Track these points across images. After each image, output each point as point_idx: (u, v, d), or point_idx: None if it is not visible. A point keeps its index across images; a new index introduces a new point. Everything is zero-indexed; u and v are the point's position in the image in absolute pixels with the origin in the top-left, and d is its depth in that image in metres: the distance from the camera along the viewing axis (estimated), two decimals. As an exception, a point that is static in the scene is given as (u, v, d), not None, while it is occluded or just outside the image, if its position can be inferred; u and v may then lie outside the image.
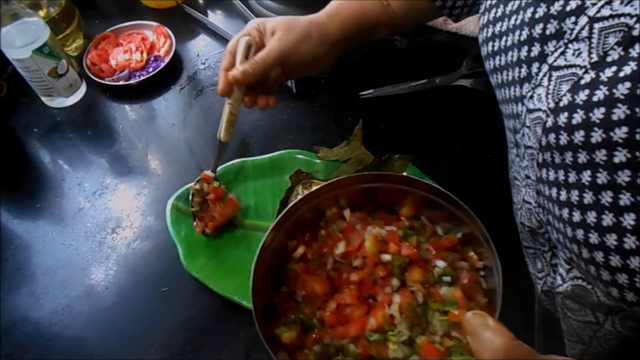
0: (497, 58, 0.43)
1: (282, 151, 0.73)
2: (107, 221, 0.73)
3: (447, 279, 0.46)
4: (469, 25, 0.87)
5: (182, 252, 0.65)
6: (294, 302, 0.48)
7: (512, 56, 0.40)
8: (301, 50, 0.62)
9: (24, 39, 0.76)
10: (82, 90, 0.87)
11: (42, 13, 0.85)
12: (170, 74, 0.88)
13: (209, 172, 0.69)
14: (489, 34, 0.44)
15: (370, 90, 0.82)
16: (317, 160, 0.72)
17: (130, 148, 0.81)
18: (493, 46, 0.43)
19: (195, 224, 0.67)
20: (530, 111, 0.38)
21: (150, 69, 0.87)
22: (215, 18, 0.98)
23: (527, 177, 0.44)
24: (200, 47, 0.93)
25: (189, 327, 0.62)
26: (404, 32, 0.90)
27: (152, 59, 0.89)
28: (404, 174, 0.51)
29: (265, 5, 0.92)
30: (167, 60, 0.87)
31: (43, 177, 0.79)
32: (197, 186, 0.68)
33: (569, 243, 0.37)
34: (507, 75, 0.41)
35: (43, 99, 0.85)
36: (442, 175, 0.69)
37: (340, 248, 0.49)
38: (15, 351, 0.63)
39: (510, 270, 0.63)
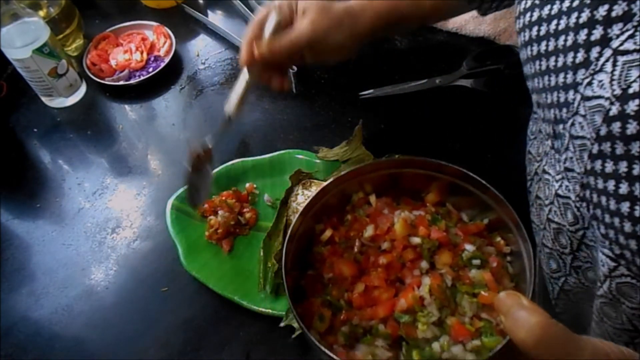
0: (544, 43, 0.40)
1: (282, 151, 0.73)
2: (107, 221, 0.73)
3: (477, 262, 0.45)
4: (469, 25, 0.87)
5: (182, 252, 0.65)
6: (321, 285, 0.48)
7: (566, 40, 0.38)
8: (330, 38, 0.60)
9: (24, 39, 0.76)
10: (82, 90, 0.87)
11: (42, 13, 0.85)
12: (170, 74, 0.88)
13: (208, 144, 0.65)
14: (534, 18, 0.41)
15: (370, 90, 0.81)
16: (317, 160, 0.72)
17: (130, 148, 0.81)
18: (539, 30, 0.41)
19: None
20: (587, 99, 0.37)
21: (150, 69, 0.87)
22: (215, 18, 0.98)
23: (568, 169, 0.42)
24: (200, 47, 0.93)
25: (189, 327, 0.63)
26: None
27: (152, 59, 0.89)
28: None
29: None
30: (167, 60, 0.87)
31: (43, 177, 0.79)
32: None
33: (624, 239, 0.36)
34: (557, 61, 0.39)
35: (43, 99, 0.85)
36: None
37: (369, 231, 0.49)
38: (15, 351, 0.63)
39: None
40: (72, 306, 0.66)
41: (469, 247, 0.46)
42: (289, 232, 0.48)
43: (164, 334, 0.62)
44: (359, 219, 0.51)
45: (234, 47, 0.91)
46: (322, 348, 0.40)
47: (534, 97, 0.46)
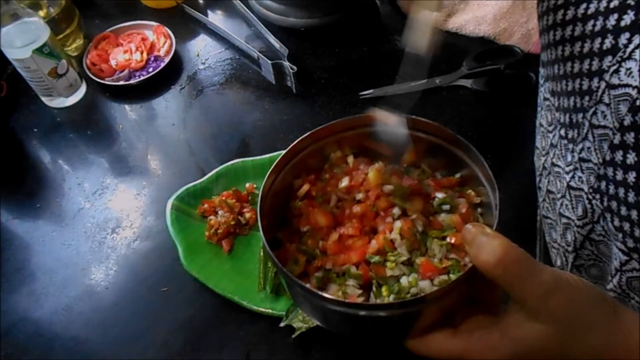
0: (569, 28, 0.39)
1: (282, 151, 0.73)
2: (107, 221, 0.73)
3: (446, 207, 0.46)
4: (469, 25, 0.87)
5: (182, 252, 0.65)
6: (297, 237, 0.49)
7: (594, 25, 0.36)
8: None
9: (24, 39, 0.76)
10: (82, 90, 0.87)
11: (42, 13, 0.85)
12: (170, 74, 0.88)
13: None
14: (560, 2, 0.40)
15: (370, 90, 0.81)
16: (317, 160, 0.72)
17: (130, 148, 0.81)
18: (565, 14, 0.39)
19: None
20: (612, 87, 0.35)
21: (150, 69, 0.87)
22: (215, 18, 0.98)
23: (584, 160, 0.41)
24: (200, 47, 0.93)
25: (189, 327, 0.62)
26: (404, 32, 0.90)
27: (152, 59, 0.89)
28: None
29: (265, 5, 0.92)
30: (167, 60, 0.87)
31: (43, 177, 0.79)
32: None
33: (639, 232, 0.35)
34: (582, 47, 0.38)
35: (43, 99, 0.85)
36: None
37: (344, 182, 0.50)
38: (15, 351, 0.63)
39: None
40: (72, 306, 0.66)
41: (440, 195, 0.48)
42: (261, 188, 0.49)
43: (164, 334, 0.62)
44: (336, 176, 0.52)
45: (234, 47, 0.91)
46: (296, 280, 0.40)
47: (549, 84, 0.44)
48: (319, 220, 0.48)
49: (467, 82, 0.80)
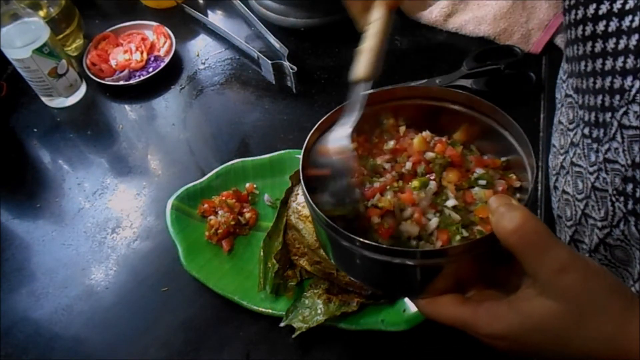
0: (602, 23, 0.37)
1: (282, 151, 0.73)
2: (107, 221, 0.73)
3: (483, 182, 0.45)
4: (469, 25, 0.87)
5: (182, 252, 0.65)
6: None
7: (632, 21, 0.35)
8: None
9: (24, 39, 0.76)
10: (82, 90, 0.87)
11: (42, 13, 0.85)
12: (170, 74, 0.88)
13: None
14: None
15: (370, 91, 0.81)
16: (317, 160, 0.72)
17: (130, 148, 0.81)
18: (597, 9, 0.38)
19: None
20: None
21: (150, 69, 0.87)
22: (215, 18, 0.98)
23: (609, 160, 0.40)
24: (200, 47, 0.93)
25: (189, 327, 0.63)
26: (404, 32, 0.90)
27: (152, 59, 0.89)
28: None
29: (265, 5, 0.92)
30: (167, 60, 0.87)
31: (43, 177, 0.79)
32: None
33: None
34: (617, 43, 0.36)
35: (43, 99, 0.85)
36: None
37: (390, 144, 0.49)
38: (15, 351, 0.63)
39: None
40: (72, 306, 0.66)
41: (479, 170, 0.46)
42: (306, 140, 0.48)
43: (164, 334, 0.62)
44: (384, 141, 0.51)
45: (234, 47, 0.91)
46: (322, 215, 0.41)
47: (574, 81, 0.43)
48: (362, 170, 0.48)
49: (467, 82, 0.80)
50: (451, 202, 0.44)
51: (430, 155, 0.47)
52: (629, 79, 0.35)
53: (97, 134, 0.83)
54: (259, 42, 0.92)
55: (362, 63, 0.48)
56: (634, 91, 0.35)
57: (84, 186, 0.77)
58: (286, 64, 0.82)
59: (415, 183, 0.45)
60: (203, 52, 0.92)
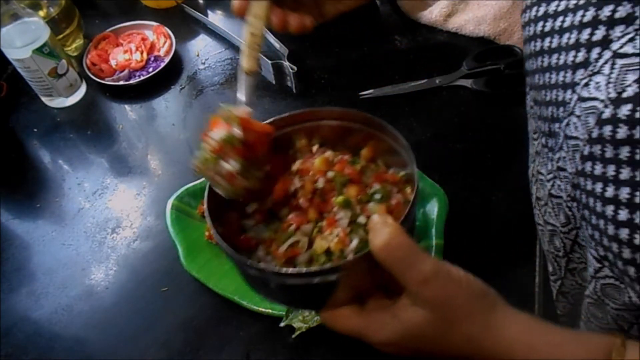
0: (548, 40, 0.40)
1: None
2: (107, 221, 0.73)
3: (378, 196, 0.47)
4: (469, 25, 0.87)
5: (182, 252, 0.65)
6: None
7: (569, 39, 0.37)
8: None
9: (24, 39, 0.76)
10: (82, 90, 0.87)
11: (42, 13, 0.85)
12: (170, 74, 0.88)
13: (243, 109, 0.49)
14: (540, 13, 0.41)
15: (370, 90, 0.81)
16: (317, 160, 0.72)
17: (130, 148, 0.81)
18: (544, 26, 0.40)
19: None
20: (582, 99, 0.36)
21: (150, 69, 0.87)
22: (215, 18, 0.98)
23: (561, 169, 0.42)
24: (200, 47, 0.93)
25: (189, 327, 0.63)
26: (404, 32, 0.90)
27: (152, 59, 0.89)
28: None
29: (265, 5, 0.92)
30: (167, 60, 0.87)
31: (43, 177, 0.79)
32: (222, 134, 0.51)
33: (607, 241, 0.36)
34: (559, 58, 0.39)
35: (43, 99, 0.85)
36: (442, 175, 0.69)
37: (296, 165, 0.51)
38: (15, 351, 0.63)
39: (510, 272, 0.63)
40: (72, 306, 0.66)
41: (376, 185, 0.49)
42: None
43: (164, 334, 0.62)
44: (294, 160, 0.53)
45: (234, 47, 0.91)
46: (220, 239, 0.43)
47: (533, 93, 0.46)
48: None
49: (467, 82, 0.80)
50: (362, 219, 0.46)
51: (330, 174, 0.49)
52: (569, 92, 0.38)
53: (97, 134, 0.83)
54: (259, 42, 0.92)
55: (246, 56, 0.51)
56: (572, 103, 0.37)
57: (84, 186, 0.77)
58: (286, 64, 0.82)
59: (339, 198, 0.47)
60: (203, 52, 0.92)
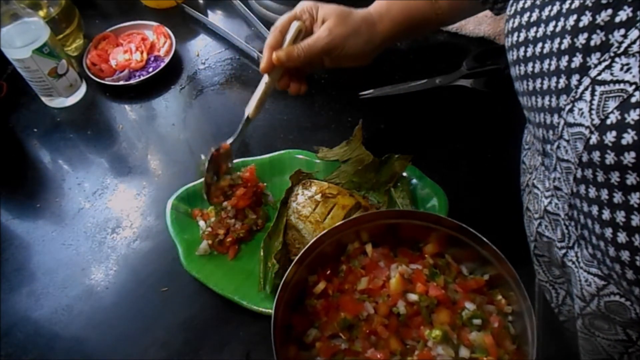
0: (530, 65, 0.40)
1: (282, 151, 0.73)
2: (107, 221, 0.73)
3: (477, 321, 0.44)
4: (469, 25, 0.87)
5: (182, 252, 0.65)
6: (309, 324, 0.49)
7: (550, 65, 0.38)
8: (349, 44, 0.62)
9: (24, 39, 0.76)
10: (82, 90, 0.87)
11: (42, 13, 0.85)
12: (170, 74, 0.88)
13: (228, 142, 0.66)
14: (521, 39, 0.41)
15: (370, 90, 0.81)
16: (317, 160, 0.72)
17: (130, 148, 0.81)
18: (525, 52, 0.41)
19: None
20: (569, 125, 0.36)
21: (150, 69, 0.87)
22: (215, 18, 0.98)
23: (557, 188, 0.42)
24: (200, 47, 0.93)
25: (189, 327, 0.62)
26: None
27: (152, 59, 0.89)
28: (429, 213, 0.50)
29: (265, 5, 0.92)
30: (167, 60, 0.87)
31: (43, 177, 0.79)
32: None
33: (609, 262, 0.36)
34: (542, 83, 0.39)
35: (43, 99, 0.85)
36: (442, 175, 0.69)
37: (363, 283, 0.48)
38: (15, 351, 0.63)
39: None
40: (72, 306, 0.66)
41: (469, 306, 0.45)
42: (281, 283, 0.48)
43: (164, 334, 0.62)
44: (354, 271, 0.50)
45: (234, 47, 0.91)
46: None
47: (525, 112, 0.46)
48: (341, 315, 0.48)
49: (467, 82, 0.80)
50: (464, 353, 0.43)
51: (413, 297, 0.46)
52: (555, 116, 0.38)
53: (97, 134, 0.83)
54: (259, 42, 0.92)
55: (253, 104, 0.64)
56: (560, 127, 0.37)
57: (84, 186, 0.77)
58: (286, 64, 0.82)
59: (436, 332, 0.44)
60: (203, 52, 0.92)
